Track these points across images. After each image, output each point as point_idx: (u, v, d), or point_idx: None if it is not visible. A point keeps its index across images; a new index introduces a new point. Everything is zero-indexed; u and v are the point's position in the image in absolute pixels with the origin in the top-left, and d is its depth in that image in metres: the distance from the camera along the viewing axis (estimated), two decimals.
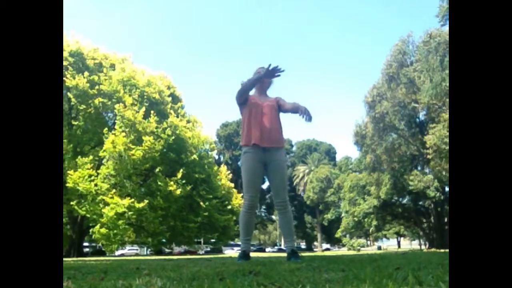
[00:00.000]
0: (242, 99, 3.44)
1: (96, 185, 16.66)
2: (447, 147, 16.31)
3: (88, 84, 17.59)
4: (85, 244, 26.67)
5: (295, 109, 3.25)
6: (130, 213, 16.20)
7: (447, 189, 23.32)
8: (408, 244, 55.23)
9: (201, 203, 19.29)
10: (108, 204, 16.09)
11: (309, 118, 3.13)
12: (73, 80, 17.15)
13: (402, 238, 51.02)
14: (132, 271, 2.07)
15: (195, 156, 19.44)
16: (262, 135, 3.26)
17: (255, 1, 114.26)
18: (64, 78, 16.76)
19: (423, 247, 36.16)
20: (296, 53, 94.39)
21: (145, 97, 19.02)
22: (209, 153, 23.13)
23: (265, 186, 30.68)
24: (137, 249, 39.36)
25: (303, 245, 54.20)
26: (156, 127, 17.93)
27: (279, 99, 3.49)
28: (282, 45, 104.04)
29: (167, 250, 32.10)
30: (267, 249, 47.67)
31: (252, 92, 3.53)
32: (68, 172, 16.60)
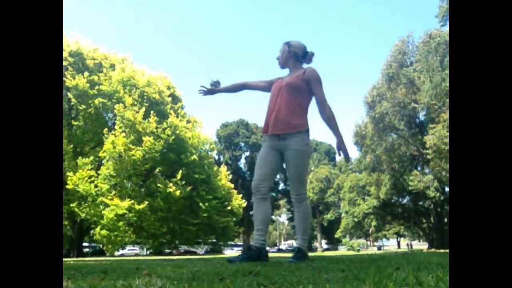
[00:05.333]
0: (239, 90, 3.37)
1: (96, 186, 16.64)
2: (447, 147, 16.31)
3: (88, 84, 17.59)
4: (85, 244, 26.65)
5: (333, 132, 3.10)
6: (130, 214, 16.20)
7: (447, 189, 23.33)
8: (408, 244, 55.17)
9: (201, 204, 19.26)
10: (108, 206, 16.08)
11: (347, 158, 3.20)
12: (73, 80, 17.16)
13: (402, 238, 50.98)
14: (132, 271, 2.07)
15: (195, 156, 19.43)
16: (275, 122, 2.89)
17: (255, 3, 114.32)
18: (64, 78, 16.76)
19: (420, 247, 36.11)
20: None
21: (145, 97, 19.02)
22: (209, 153, 23.13)
23: None
24: (137, 249, 39.32)
25: None
26: (156, 127, 17.92)
27: (309, 75, 2.94)
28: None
29: (167, 250, 32.07)
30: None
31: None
32: (68, 174, 16.58)
